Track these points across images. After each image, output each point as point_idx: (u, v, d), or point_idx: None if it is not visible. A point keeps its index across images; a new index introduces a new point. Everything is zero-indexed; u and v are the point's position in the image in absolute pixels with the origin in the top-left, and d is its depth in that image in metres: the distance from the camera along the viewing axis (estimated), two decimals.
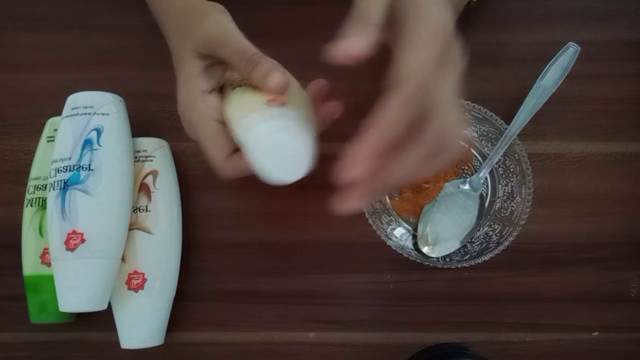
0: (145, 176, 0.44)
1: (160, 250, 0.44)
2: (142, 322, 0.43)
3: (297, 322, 0.46)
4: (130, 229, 0.43)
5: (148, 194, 0.44)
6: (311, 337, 0.46)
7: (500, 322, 0.46)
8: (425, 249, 0.45)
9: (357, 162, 0.27)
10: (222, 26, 0.35)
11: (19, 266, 0.44)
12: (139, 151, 0.45)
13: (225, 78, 0.38)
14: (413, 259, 0.44)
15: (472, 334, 0.46)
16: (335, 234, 0.47)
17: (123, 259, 0.42)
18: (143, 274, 0.42)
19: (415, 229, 0.46)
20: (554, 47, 0.48)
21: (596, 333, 0.46)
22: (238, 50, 0.35)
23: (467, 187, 0.46)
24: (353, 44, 0.29)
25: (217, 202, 0.48)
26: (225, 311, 0.47)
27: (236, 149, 0.36)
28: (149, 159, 0.45)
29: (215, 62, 0.37)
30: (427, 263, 0.44)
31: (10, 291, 0.46)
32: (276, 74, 0.33)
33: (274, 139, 0.32)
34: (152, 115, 0.49)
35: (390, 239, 0.44)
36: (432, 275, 0.47)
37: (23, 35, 0.51)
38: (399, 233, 0.46)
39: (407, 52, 0.28)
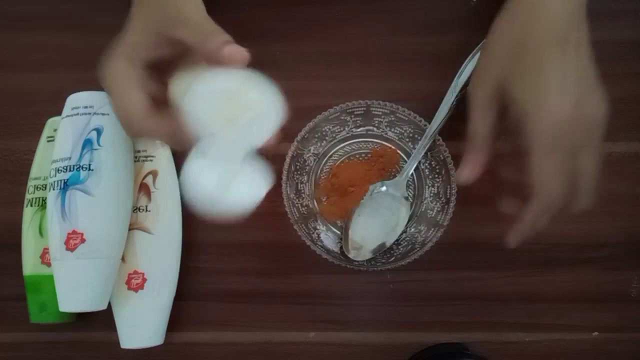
0: (145, 176, 0.44)
1: (160, 250, 0.44)
2: (142, 322, 0.43)
3: (297, 322, 0.46)
4: (130, 229, 0.43)
5: (148, 194, 0.44)
6: (311, 337, 0.46)
7: (499, 322, 0.46)
8: (351, 254, 0.45)
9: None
10: (187, 7, 0.34)
11: (19, 266, 0.44)
12: (139, 151, 0.45)
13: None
14: (337, 262, 0.44)
15: (471, 334, 0.46)
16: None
17: (123, 259, 0.42)
18: (143, 274, 0.42)
19: (342, 232, 0.46)
20: None
21: (596, 333, 0.46)
22: (197, 28, 0.33)
23: (391, 189, 0.46)
24: (470, 173, 0.39)
25: None
26: (225, 311, 0.47)
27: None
28: (149, 159, 0.45)
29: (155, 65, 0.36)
30: (351, 267, 0.44)
31: (10, 291, 0.46)
32: (233, 46, 0.32)
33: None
34: None
35: (316, 244, 0.44)
36: (432, 275, 0.47)
37: (23, 35, 0.51)
38: (325, 237, 0.46)
39: (535, 163, 0.35)
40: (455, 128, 0.48)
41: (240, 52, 0.31)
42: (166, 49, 0.36)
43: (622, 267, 0.47)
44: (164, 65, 0.37)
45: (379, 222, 0.46)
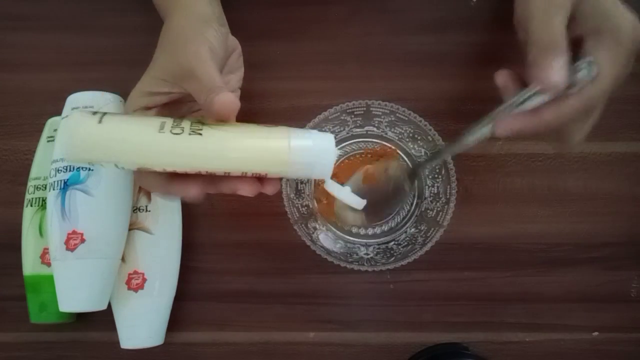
0: None
1: (160, 250, 0.44)
2: (142, 322, 0.43)
3: (297, 322, 0.46)
4: (130, 229, 0.43)
5: (148, 194, 0.44)
6: (311, 337, 0.46)
7: (500, 322, 0.46)
8: (349, 217, 0.44)
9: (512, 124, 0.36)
10: (200, 59, 0.34)
11: (19, 266, 0.44)
12: None
13: None
14: (337, 262, 0.44)
15: (472, 334, 0.46)
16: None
17: (123, 259, 0.42)
18: (143, 274, 0.42)
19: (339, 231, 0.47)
20: None
21: (596, 333, 0.46)
22: (200, 83, 0.33)
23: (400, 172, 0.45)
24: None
25: (217, 202, 0.48)
26: (225, 311, 0.47)
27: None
28: None
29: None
30: (351, 267, 0.44)
31: (10, 291, 0.46)
32: (222, 96, 0.31)
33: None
34: None
35: (316, 244, 0.44)
36: (432, 275, 0.47)
37: (23, 35, 0.51)
38: (325, 237, 0.46)
39: (605, 66, 0.34)
40: (454, 128, 0.48)
41: (228, 103, 0.31)
42: (173, 93, 0.36)
43: (622, 267, 0.47)
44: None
45: (379, 192, 0.45)
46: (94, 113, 0.30)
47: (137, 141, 0.30)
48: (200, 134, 0.30)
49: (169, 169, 0.31)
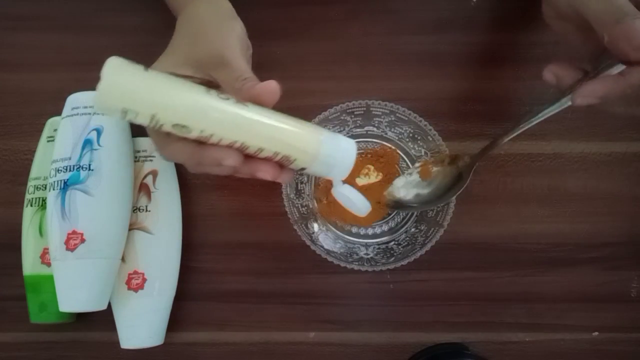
0: (145, 176, 0.45)
1: (160, 250, 0.44)
2: (142, 322, 0.43)
3: (297, 322, 0.46)
4: (130, 229, 0.43)
5: (148, 194, 0.44)
6: (311, 337, 0.46)
7: (499, 322, 0.46)
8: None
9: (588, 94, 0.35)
10: (233, 50, 0.35)
11: (19, 266, 0.44)
12: (139, 151, 0.45)
13: None
14: (337, 262, 0.44)
15: (471, 334, 0.46)
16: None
17: (123, 259, 0.42)
18: (143, 274, 0.42)
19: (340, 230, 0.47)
20: (554, 47, 0.48)
21: (596, 333, 0.46)
22: (235, 73, 0.34)
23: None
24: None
25: (217, 202, 0.48)
26: (225, 311, 0.47)
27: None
28: (149, 159, 0.45)
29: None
30: (351, 267, 0.44)
31: (10, 291, 0.46)
32: (264, 84, 0.32)
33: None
34: None
35: (316, 244, 0.44)
36: (432, 275, 0.47)
37: (23, 35, 0.51)
38: (325, 237, 0.46)
39: None
40: (454, 128, 0.48)
41: (273, 87, 0.32)
42: (195, 78, 0.36)
43: (622, 267, 0.47)
44: None
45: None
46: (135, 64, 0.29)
47: (184, 96, 0.29)
48: (247, 106, 0.31)
49: (207, 133, 0.30)
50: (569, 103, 0.37)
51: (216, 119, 0.30)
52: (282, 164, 0.33)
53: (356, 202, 0.39)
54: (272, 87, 0.32)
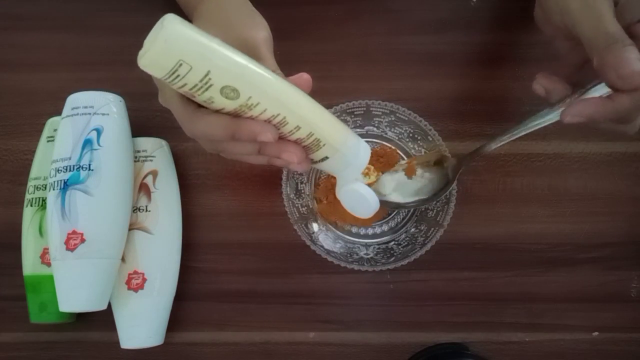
0: (145, 176, 0.45)
1: (160, 250, 0.44)
2: (142, 322, 0.43)
3: (297, 322, 0.46)
4: (130, 229, 0.43)
5: (148, 194, 0.44)
6: (311, 337, 0.46)
7: (499, 322, 0.46)
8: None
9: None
10: (265, 43, 0.36)
11: (19, 266, 0.44)
12: (138, 151, 0.45)
13: None
14: (337, 262, 0.44)
15: (471, 333, 0.46)
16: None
17: (123, 259, 0.42)
18: (143, 274, 0.42)
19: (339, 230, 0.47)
20: (554, 47, 0.48)
21: (596, 333, 0.46)
22: (268, 65, 0.34)
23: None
24: None
25: (217, 202, 0.48)
26: (225, 311, 0.47)
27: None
28: (148, 159, 0.45)
29: None
30: (351, 267, 0.44)
31: (10, 291, 0.46)
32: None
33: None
34: (152, 115, 0.49)
35: (316, 244, 0.44)
36: (432, 275, 0.47)
37: (23, 35, 0.51)
38: (325, 237, 0.46)
39: None
40: (454, 128, 0.48)
41: (309, 78, 0.33)
42: None
43: (622, 267, 0.47)
44: None
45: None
46: None
47: (240, 60, 0.29)
48: (292, 85, 0.31)
49: (254, 101, 0.29)
50: (558, 118, 0.37)
51: (266, 88, 0.30)
52: (307, 151, 0.34)
53: (369, 200, 0.39)
54: (305, 79, 0.33)
